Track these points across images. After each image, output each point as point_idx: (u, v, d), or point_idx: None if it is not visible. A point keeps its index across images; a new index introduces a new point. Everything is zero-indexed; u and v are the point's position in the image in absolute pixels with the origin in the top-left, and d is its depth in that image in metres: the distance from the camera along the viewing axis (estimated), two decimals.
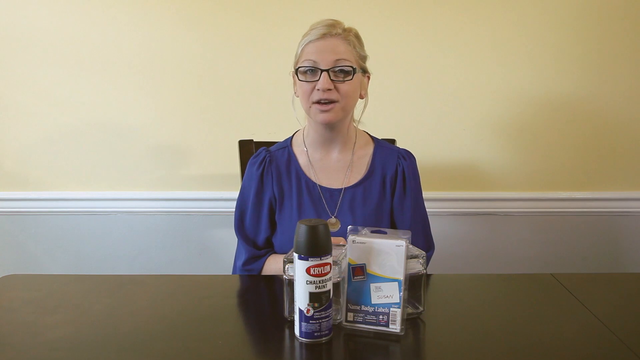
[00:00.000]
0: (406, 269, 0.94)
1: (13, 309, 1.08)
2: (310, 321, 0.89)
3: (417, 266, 0.99)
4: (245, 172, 1.35)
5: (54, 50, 1.82)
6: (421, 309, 1.01)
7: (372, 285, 0.95)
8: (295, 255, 0.89)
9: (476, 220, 1.92)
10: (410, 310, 1.00)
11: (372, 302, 0.95)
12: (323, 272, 0.88)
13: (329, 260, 0.89)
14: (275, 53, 1.79)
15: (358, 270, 0.95)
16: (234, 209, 1.35)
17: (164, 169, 1.90)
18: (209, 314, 1.04)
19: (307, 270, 0.88)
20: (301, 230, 0.88)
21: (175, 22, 1.81)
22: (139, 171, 1.90)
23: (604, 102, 1.85)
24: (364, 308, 0.95)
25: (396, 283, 0.94)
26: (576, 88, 1.84)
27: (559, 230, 1.93)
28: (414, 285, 0.99)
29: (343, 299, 0.96)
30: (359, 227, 0.98)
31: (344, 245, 1.02)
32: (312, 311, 0.89)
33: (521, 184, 1.90)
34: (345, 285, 0.96)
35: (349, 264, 0.95)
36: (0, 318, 1.05)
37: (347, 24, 1.26)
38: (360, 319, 0.95)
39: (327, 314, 0.90)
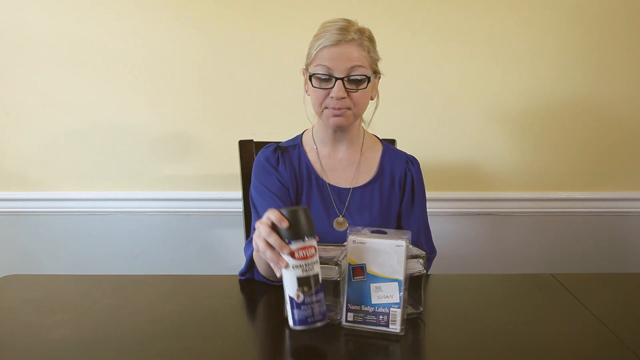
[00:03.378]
0: (406, 269, 0.94)
1: (13, 309, 1.08)
2: (302, 307, 0.89)
3: (417, 266, 0.99)
4: (255, 161, 1.33)
5: (54, 51, 1.82)
6: (421, 309, 1.01)
7: (372, 285, 0.95)
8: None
9: (476, 220, 1.92)
10: (410, 310, 1.00)
11: (372, 302, 0.95)
12: (308, 254, 0.88)
13: (314, 243, 0.89)
14: (276, 53, 1.79)
15: (358, 270, 0.95)
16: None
17: (164, 169, 1.90)
18: (209, 314, 1.04)
19: (292, 255, 0.88)
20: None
21: (175, 22, 1.80)
22: (139, 171, 1.90)
23: (605, 103, 1.85)
24: (364, 308, 0.95)
25: (396, 283, 0.94)
26: (577, 88, 1.84)
27: (559, 230, 1.93)
28: (414, 285, 0.99)
29: (343, 299, 0.96)
30: (359, 227, 0.98)
31: (343, 245, 1.02)
32: (302, 296, 0.88)
33: (521, 184, 1.90)
34: (345, 286, 0.96)
35: (349, 264, 0.95)
36: (0, 318, 1.05)
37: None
38: (360, 319, 0.95)
39: (319, 298, 0.89)
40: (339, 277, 0.96)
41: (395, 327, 0.94)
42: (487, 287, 1.25)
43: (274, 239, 0.89)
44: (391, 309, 0.94)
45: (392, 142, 1.53)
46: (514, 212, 1.92)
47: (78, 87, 1.84)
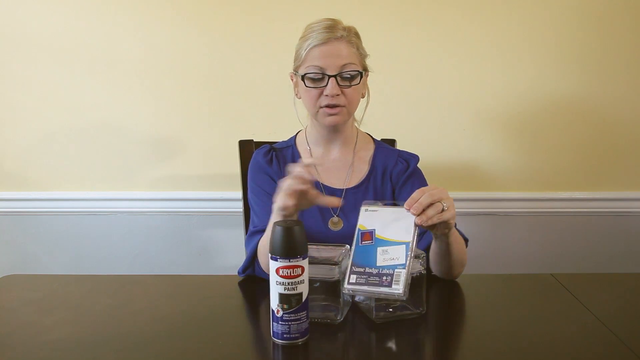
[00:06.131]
0: (415, 235, 0.93)
1: (13, 309, 1.08)
2: (280, 322, 0.89)
3: (418, 266, 0.99)
4: (250, 164, 1.34)
5: (54, 50, 1.82)
6: (422, 309, 1.01)
7: (379, 249, 0.94)
8: (269, 254, 0.90)
9: (476, 220, 1.92)
10: (410, 310, 1.00)
11: (377, 264, 0.93)
12: (292, 274, 0.88)
13: (300, 262, 0.88)
14: (276, 53, 1.79)
15: (367, 235, 0.95)
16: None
17: (164, 169, 1.90)
18: (209, 314, 1.04)
19: (276, 271, 0.88)
20: (274, 231, 0.88)
21: (176, 22, 1.80)
22: (139, 171, 1.90)
23: (605, 102, 1.85)
24: (368, 270, 0.92)
25: (403, 246, 0.93)
26: (577, 88, 1.84)
27: (559, 230, 1.93)
28: (414, 285, 0.99)
29: (348, 263, 0.94)
30: (373, 200, 1.01)
31: (342, 246, 1.02)
32: (281, 312, 0.89)
33: (521, 184, 1.90)
34: (352, 250, 0.95)
35: (359, 229, 0.96)
36: (0, 318, 1.05)
37: (346, 22, 1.26)
38: (363, 281, 0.92)
39: (298, 317, 0.89)
40: (338, 277, 0.96)
41: (398, 288, 0.90)
42: (487, 287, 1.25)
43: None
44: (395, 270, 0.91)
45: (392, 142, 1.53)
46: (514, 212, 1.92)
47: (78, 87, 1.84)
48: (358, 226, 0.96)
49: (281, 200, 1.01)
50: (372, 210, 0.96)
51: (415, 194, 0.97)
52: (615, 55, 1.82)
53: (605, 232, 1.92)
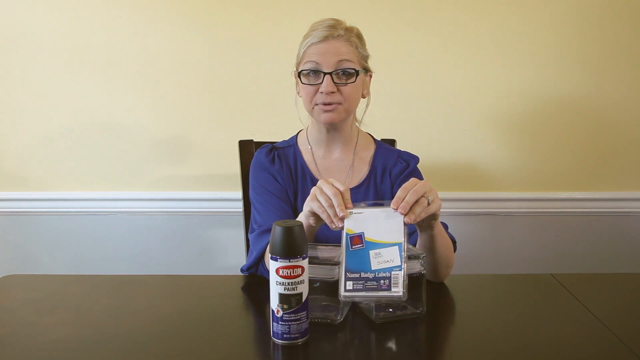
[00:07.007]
0: (405, 233, 0.93)
1: (13, 309, 1.08)
2: (280, 322, 0.89)
3: (417, 266, 0.99)
4: (252, 162, 1.34)
5: (54, 50, 1.82)
6: (421, 309, 1.01)
7: (372, 252, 0.93)
8: (270, 254, 0.89)
9: (476, 220, 1.92)
10: (410, 310, 1.00)
11: (372, 268, 0.92)
12: (292, 274, 0.88)
13: (300, 262, 0.88)
14: (276, 53, 1.79)
15: (356, 239, 0.94)
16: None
17: (164, 169, 1.90)
18: (209, 314, 1.04)
19: (277, 271, 0.88)
20: (274, 231, 0.88)
21: (175, 22, 1.80)
22: (139, 171, 1.90)
23: (605, 103, 1.85)
24: (363, 275, 0.92)
25: (396, 247, 0.92)
26: (576, 88, 1.84)
27: (559, 230, 1.93)
28: (414, 285, 0.99)
29: (342, 271, 0.93)
30: (357, 203, 0.99)
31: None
32: (281, 312, 0.89)
33: (521, 184, 1.90)
34: (344, 256, 0.94)
35: (347, 234, 0.94)
36: (0, 318, 1.05)
37: (348, 22, 1.26)
38: (360, 286, 0.91)
39: (298, 317, 0.89)
40: (339, 277, 0.96)
41: (398, 290, 0.90)
42: (487, 287, 1.25)
43: (338, 200, 0.97)
44: (392, 273, 0.91)
45: (392, 142, 1.53)
46: (514, 212, 1.92)
47: (78, 87, 1.84)
48: (345, 230, 0.94)
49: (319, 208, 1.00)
50: (357, 213, 0.95)
51: (400, 192, 0.97)
52: (615, 55, 1.82)
53: (605, 232, 1.93)
